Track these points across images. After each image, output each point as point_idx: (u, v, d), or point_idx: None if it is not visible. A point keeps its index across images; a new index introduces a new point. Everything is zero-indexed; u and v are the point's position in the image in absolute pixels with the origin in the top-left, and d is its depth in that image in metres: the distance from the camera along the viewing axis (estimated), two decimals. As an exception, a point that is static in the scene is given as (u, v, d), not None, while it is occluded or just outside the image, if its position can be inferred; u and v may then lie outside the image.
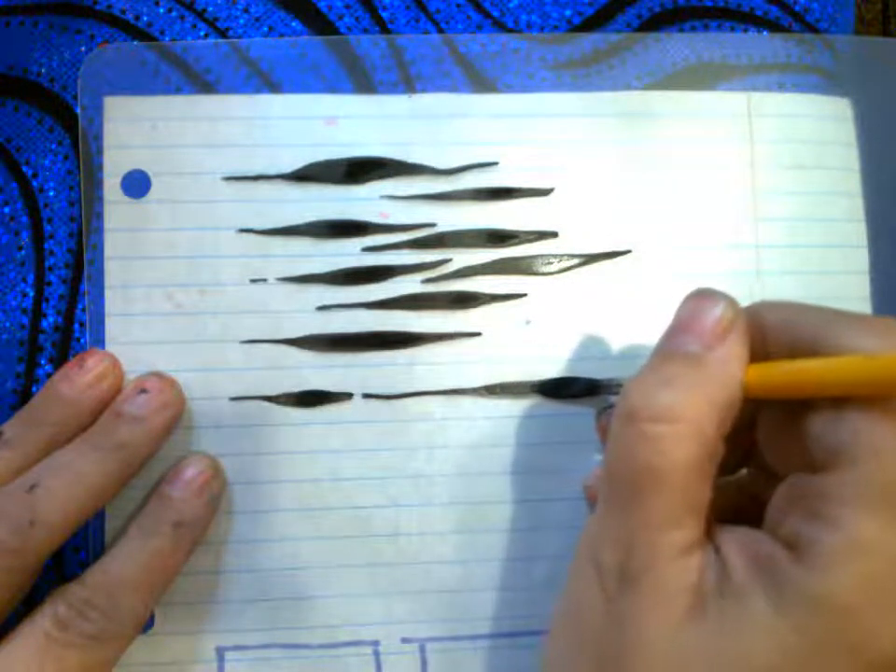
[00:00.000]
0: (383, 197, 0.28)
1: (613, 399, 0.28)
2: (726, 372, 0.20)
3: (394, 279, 0.28)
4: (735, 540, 0.19)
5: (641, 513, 0.19)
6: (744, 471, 0.24)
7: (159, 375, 0.26)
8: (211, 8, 0.29)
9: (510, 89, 0.29)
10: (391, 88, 0.28)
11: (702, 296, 0.21)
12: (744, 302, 0.28)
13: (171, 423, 0.26)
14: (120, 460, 0.24)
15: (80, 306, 0.27)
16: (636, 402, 0.20)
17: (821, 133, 0.29)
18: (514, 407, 0.28)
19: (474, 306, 0.28)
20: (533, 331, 0.28)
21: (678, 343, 0.21)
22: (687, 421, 0.19)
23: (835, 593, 0.17)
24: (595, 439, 0.28)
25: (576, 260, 0.28)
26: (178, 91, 0.28)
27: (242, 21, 0.29)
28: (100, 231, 0.27)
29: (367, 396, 0.27)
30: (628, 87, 0.29)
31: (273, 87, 0.28)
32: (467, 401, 0.28)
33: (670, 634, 0.18)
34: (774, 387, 0.20)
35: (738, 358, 0.20)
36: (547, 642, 0.21)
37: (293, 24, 0.29)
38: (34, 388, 0.27)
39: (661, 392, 0.20)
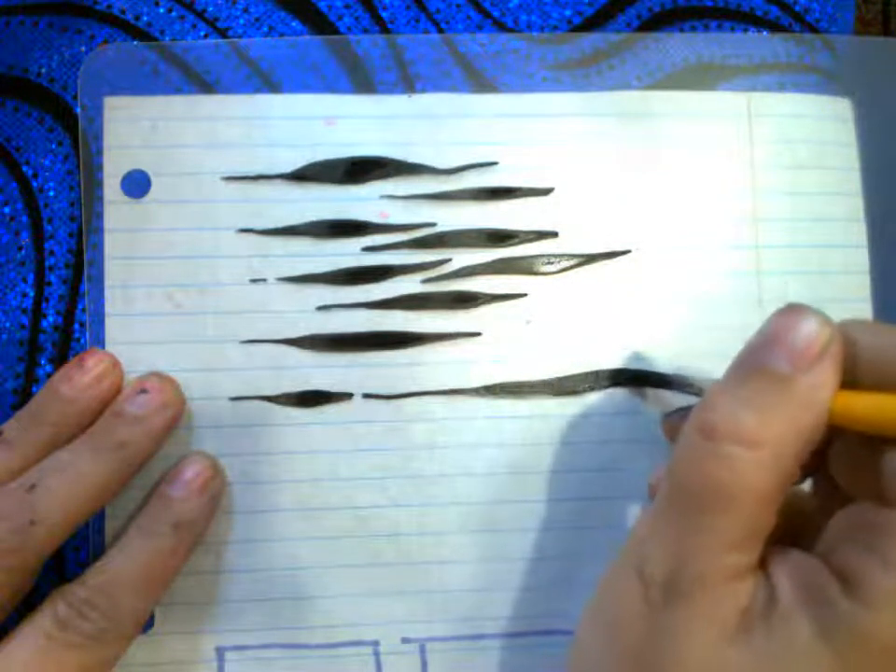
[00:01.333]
0: (383, 197, 0.28)
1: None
2: (815, 399, 0.19)
3: (394, 279, 0.28)
4: (786, 563, 0.19)
5: (702, 531, 0.19)
6: (806, 483, 0.23)
7: (159, 375, 0.26)
8: (211, 8, 0.29)
9: (509, 89, 0.29)
10: (391, 88, 0.28)
11: (794, 311, 0.20)
12: (743, 303, 0.29)
13: (171, 423, 0.26)
14: (120, 460, 0.24)
15: (80, 306, 0.27)
16: (717, 419, 0.19)
17: (821, 132, 0.29)
18: (514, 407, 0.28)
19: (474, 306, 0.28)
20: (533, 331, 0.28)
21: (766, 359, 0.19)
22: (769, 448, 0.18)
23: (885, 632, 0.17)
24: (596, 439, 0.28)
25: (576, 260, 0.28)
26: (178, 91, 0.28)
27: (242, 21, 0.29)
28: (100, 231, 0.27)
29: (367, 396, 0.27)
30: (628, 87, 0.29)
31: (273, 87, 0.28)
32: (467, 401, 0.28)
33: (714, 652, 0.18)
34: (861, 420, 0.19)
35: (830, 385, 0.19)
36: (577, 642, 0.21)
37: (293, 24, 0.29)
38: (34, 388, 0.27)
39: (745, 413, 0.19)
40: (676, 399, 0.27)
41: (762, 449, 0.18)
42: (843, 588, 0.18)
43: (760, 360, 0.19)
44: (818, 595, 0.18)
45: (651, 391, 0.28)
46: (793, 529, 0.20)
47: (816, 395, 0.19)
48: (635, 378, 0.28)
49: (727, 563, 0.18)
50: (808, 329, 0.19)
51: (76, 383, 0.25)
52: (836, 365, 0.19)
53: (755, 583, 0.19)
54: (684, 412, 0.25)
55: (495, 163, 0.28)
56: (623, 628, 0.19)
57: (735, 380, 0.20)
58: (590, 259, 0.28)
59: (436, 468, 0.27)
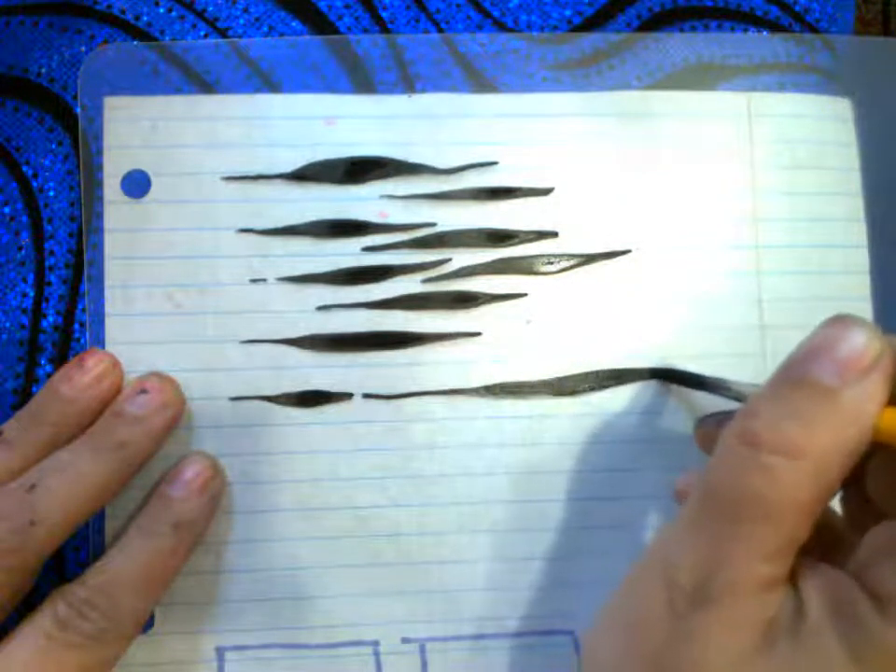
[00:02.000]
0: (382, 197, 0.28)
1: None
2: (861, 413, 0.18)
3: (394, 279, 0.28)
4: (816, 577, 0.19)
5: (736, 539, 0.18)
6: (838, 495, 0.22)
7: (159, 375, 0.26)
8: (211, 8, 0.29)
9: (509, 89, 0.29)
10: (391, 88, 0.28)
11: (843, 322, 0.19)
12: (743, 304, 0.29)
13: (171, 423, 0.26)
14: (120, 460, 0.24)
15: (80, 306, 0.27)
16: (759, 427, 0.18)
17: (821, 132, 0.29)
18: (514, 407, 0.28)
19: (474, 306, 0.28)
20: (533, 331, 0.28)
21: (811, 370, 0.19)
22: (811, 460, 0.18)
23: None
24: (596, 439, 0.28)
25: (576, 260, 0.28)
26: (178, 91, 0.28)
27: (242, 21, 0.29)
28: (100, 231, 0.27)
29: (367, 396, 0.27)
30: (628, 87, 0.29)
31: (273, 87, 0.28)
32: (467, 401, 0.28)
33: (738, 664, 0.18)
34: None
35: (877, 400, 0.18)
36: (591, 643, 0.21)
37: (293, 24, 0.29)
38: (34, 388, 0.27)
39: (788, 423, 0.18)
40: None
41: (804, 460, 0.18)
42: (875, 606, 0.17)
43: (805, 371, 0.19)
44: (848, 611, 0.17)
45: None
46: (820, 542, 0.20)
47: (862, 409, 0.18)
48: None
49: (759, 573, 0.18)
50: (857, 341, 0.18)
51: (76, 383, 0.25)
52: (886, 380, 0.18)
53: (784, 595, 0.18)
54: (719, 418, 0.25)
55: (495, 163, 0.28)
56: (645, 631, 0.19)
57: (780, 389, 0.19)
58: (590, 258, 0.28)
59: (436, 468, 0.27)
